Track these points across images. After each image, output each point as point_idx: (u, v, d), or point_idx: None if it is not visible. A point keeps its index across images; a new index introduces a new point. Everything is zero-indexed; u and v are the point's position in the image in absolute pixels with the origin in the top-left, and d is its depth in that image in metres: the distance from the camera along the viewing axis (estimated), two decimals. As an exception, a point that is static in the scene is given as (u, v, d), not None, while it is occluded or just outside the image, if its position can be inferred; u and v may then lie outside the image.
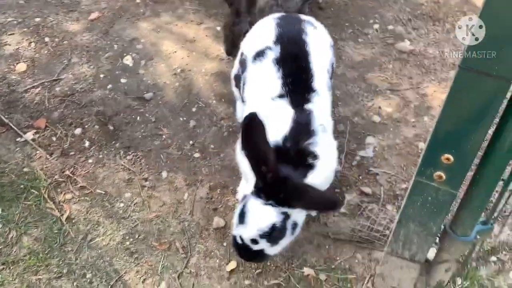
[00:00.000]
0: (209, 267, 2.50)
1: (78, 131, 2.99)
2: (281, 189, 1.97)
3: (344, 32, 3.62)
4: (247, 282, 2.46)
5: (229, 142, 2.94)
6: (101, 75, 3.27)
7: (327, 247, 2.57)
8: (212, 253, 2.55)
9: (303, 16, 2.54)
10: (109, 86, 3.21)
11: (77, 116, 3.04)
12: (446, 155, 1.62)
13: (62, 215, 2.64)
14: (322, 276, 2.47)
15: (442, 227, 1.98)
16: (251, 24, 2.76)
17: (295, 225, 2.13)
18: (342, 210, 2.66)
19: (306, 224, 2.61)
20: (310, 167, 2.12)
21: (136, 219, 2.65)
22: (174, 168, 2.84)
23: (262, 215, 2.04)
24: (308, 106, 2.17)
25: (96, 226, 2.62)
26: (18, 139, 2.93)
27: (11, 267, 2.45)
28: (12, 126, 2.96)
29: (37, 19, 3.61)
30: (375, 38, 3.58)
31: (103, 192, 2.75)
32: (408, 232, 2.00)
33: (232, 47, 3.18)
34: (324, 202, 1.98)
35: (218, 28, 3.57)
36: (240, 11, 3.10)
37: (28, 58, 3.35)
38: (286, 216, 2.06)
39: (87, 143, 2.92)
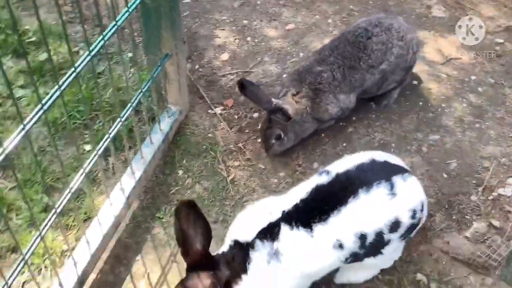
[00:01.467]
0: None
1: (255, 115, 3.61)
2: None
3: None
4: (363, 270, 2.80)
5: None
6: (284, 75, 3.86)
7: (444, 262, 2.80)
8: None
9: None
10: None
11: (257, 104, 3.68)
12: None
13: (228, 176, 3.25)
14: (433, 286, 2.72)
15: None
16: None
17: None
18: (467, 234, 2.86)
19: (428, 238, 2.88)
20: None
21: (284, 195, 3.16)
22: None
23: None
24: None
25: (252, 192, 3.18)
26: (210, 111, 3.64)
27: (183, 204, 3.11)
28: (207, 100, 3.69)
29: (245, 21, 4.36)
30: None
31: (263, 167, 3.31)
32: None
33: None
34: None
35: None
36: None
37: (231, 51, 4.10)
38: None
39: (259, 126, 3.53)
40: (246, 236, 2.24)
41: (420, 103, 3.65)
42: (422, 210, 2.40)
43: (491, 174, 3.16)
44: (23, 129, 1.93)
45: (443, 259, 2.82)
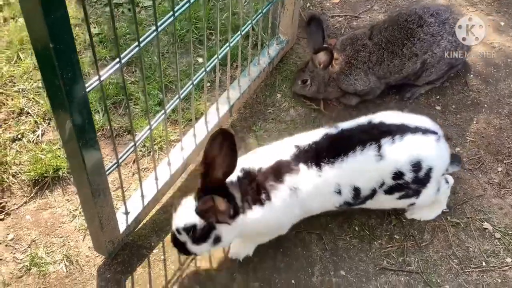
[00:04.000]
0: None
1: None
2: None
3: None
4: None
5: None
6: (388, 25, 4.02)
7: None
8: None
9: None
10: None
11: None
12: None
13: (320, 106, 3.52)
14: (497, 235, 2.89)
15: None
16: None
17: (218, 238, 2.34)
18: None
19: (502, 194, 3.03)
20: (259, 202, 2.35)
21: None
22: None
23: (189, 213, 2.29)
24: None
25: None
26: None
27: (278, 127, 3.41)
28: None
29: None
30: None
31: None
32: None
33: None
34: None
35: None
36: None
37: (344, -5, 4.30)
38: (210, 226, 2.29)
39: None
40: (264, 167, 2.42)
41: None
42: (417, 169, 2.51)
43: None
44: (154, 31, 2.10)
45: (512, 215, 2.97)
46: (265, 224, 2.44)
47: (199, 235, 2.30)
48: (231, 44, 2.92)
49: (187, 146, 2.98)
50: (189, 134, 3.03)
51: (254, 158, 2.47)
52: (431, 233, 2.89)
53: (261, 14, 3.17)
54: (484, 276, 2.75)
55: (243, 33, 3.02)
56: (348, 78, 3.39)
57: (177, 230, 2.35)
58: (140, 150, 3.15)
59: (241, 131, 3.35)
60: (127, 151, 2.41)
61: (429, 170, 2.52)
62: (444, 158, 2.64)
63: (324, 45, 3.31)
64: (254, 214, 2.34)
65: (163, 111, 2.53)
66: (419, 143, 2.50)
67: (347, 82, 3.40)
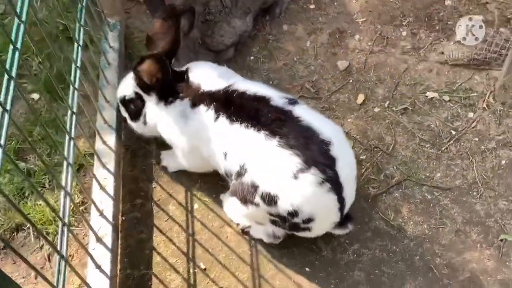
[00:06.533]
0: (340, 101, 2.81)
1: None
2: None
3: None
4: (376, 110, 2.76)
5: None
6: None
7: (446, 73, 2.82)
8: (341, 90, 2.84)
9: None
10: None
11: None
12: None
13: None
14: (446, 97, 2.75)
15: None
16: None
17: (144, 119, 2.39)
18: (457, 38, 2.87)
19: (423, 56, 2.86)
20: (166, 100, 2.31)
21: (266, 69, 2.96)
22: (294, 21, 3.09)
23: (125, 85, 2.39)
24: None
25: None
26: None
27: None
28: (140, 0, 3.27)
29: None
30: None
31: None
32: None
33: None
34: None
35: None
36: None
37: None
38: (140, 99, 2.36)
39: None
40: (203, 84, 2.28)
41: None
42: None
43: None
44: None
45: (444, 70, 2.83)
46: (165, 128, 2.37)
47: (132, 110, 2.42)
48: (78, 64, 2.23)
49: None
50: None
51: (213, 77, 2.30)
52: (391, 135, 2.67)
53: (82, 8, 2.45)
54: (461, 143, 2.63)
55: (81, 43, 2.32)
56: (213, 39, 2.85)
57: (118, 103, 2.50)
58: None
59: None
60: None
61: None
62: None
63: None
64: (157, 106, 2.32)
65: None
66: None
67: (215, 43, 2.87)
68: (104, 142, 2.51)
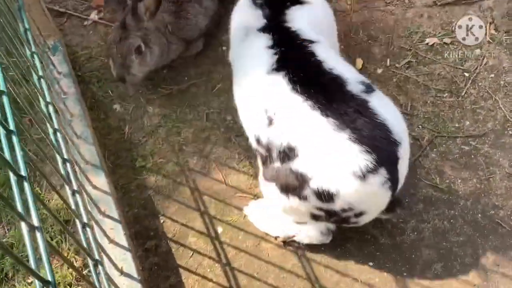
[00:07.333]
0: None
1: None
2: None
3: None
4: (379, 71, 2.50)
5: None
6: None
7: (437, 15, 2.61)
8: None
9: None
10: None
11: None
12: None
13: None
14: (447, 40, 2.53)
15: None
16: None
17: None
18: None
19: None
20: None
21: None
22: None
23: None
24: None
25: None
26: (85, 23, 2.74)
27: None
28: (72, 13, 2.76)
29: None
30: None
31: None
32: None
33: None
34: None
35: None
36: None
37: None
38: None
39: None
40: None
41: None
42: None
43: None
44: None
45: (435, 12, 2.62)
46: None
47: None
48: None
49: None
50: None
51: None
52: (404, 94, 2.41)
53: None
54: (479, 83, 2.43)
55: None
56: (188, 21, 2.44)
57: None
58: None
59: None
60: None
61: None
62: None
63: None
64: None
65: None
66: None
67: (188, 27, 2.45)
68: (95, 187, 2.03)
